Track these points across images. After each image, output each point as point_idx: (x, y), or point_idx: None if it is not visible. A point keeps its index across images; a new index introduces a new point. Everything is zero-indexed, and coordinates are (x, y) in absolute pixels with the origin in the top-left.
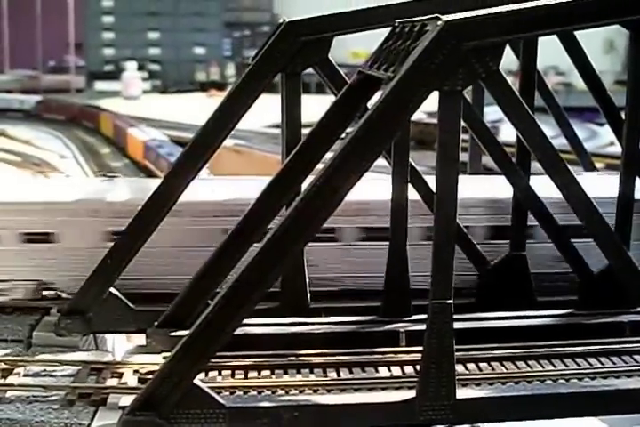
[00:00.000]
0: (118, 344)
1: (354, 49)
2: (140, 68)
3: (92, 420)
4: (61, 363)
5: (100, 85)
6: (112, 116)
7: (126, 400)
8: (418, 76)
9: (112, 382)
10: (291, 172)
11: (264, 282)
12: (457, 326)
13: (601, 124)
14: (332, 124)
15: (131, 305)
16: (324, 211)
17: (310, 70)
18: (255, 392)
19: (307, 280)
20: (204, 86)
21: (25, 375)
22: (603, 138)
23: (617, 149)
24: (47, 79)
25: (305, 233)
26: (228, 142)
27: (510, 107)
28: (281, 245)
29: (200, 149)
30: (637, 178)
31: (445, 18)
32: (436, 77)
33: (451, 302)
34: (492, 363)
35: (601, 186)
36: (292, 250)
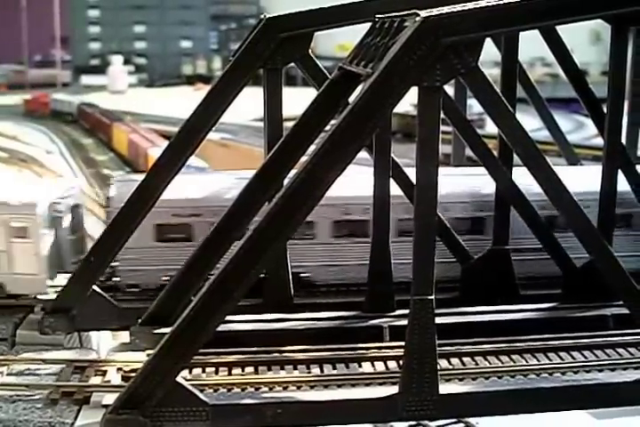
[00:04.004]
0: (103, 342)
1: (340, 42)
2: (127, 61)
3: (75, 419)
4: (45, 361)
5: (87, 80)
6: (127, 129)
7: (110, 399)
8: (396, 72)
9: (95, 380)
10: (273, 167)
11: (246, 278)
12: (440, 320)
13: (587, 116)
14: (314, 119)
15: (114, 303)
16: (306, 205)
17: None
18: (239, 389)
19: (290, 276)
20: (191, 80)
21: (8, 374)
22: (589, 129)
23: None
24: (33, 74)
25: (287, 228)
26: (215, 136)
27: (489, 102)
28: (263, 240)
29: (183, 143)
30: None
31: (424, 13)
32: (414, 73)
33: (432, 297)
34: (476, 358)
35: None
36: (274, 245)
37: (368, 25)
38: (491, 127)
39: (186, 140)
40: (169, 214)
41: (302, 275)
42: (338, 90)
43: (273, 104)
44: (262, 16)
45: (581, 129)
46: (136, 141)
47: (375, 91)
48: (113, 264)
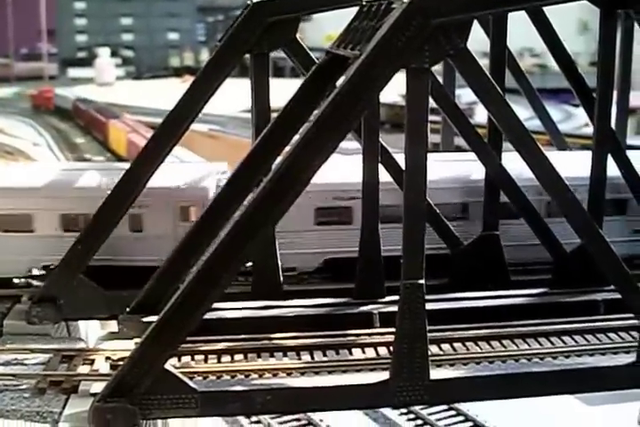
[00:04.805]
0: (91, 331)
1: (328, 33)
2: (114, 54)
3: (63, 408)
4: (32, 351)
5: (74, 72)
6: (125, 128)
7: (98, 387)
8: (384, 54)
9: (83, 369)
10: (260, 153)
11: (233, 264)
12: (430, 306)
13: (576, 106)
14: (302, 104)
15: (102, 291)
16: (293, 190)
17: (283, 55)
18: (228, 377)
19: (279, 263)
20: (178, 72)
21: None
22: (578, 119)
23: (592, 129)
24: (19, 67)
25: (274, 213)
26: (203, 127)
27: (479, 84)
28: (250, 226)
29: (169, 132)
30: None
31: None
32: (402, 55)
33: (422, 281)
34: (467, 343)
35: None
36: (261, 230)
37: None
38: (480, 117)
39: (172, 129)
40: (330, 197)
41: None
42: (326, 74)
43: (260, 90)
44: (249, 1)
45: (570, 119)
46: (136, 142)
47: (363, 73)
48: None
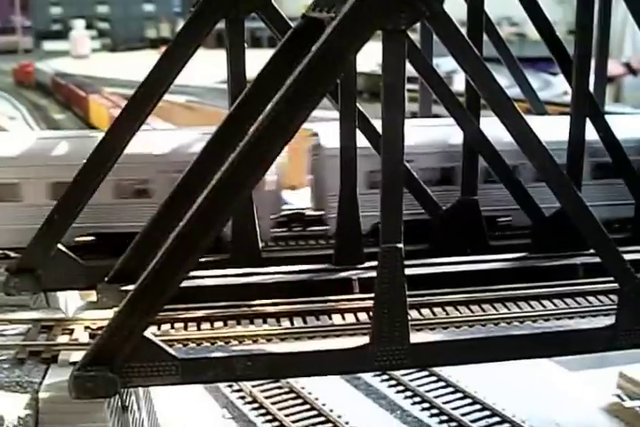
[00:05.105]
0: (71, 301)
1: (305, 2)
2: (89, 26)
3: (43, 377)
4: (11, 322)
5: (49, 45)
6: (106, 103)
7: (77, 356)
8: (360, 15)
9: (63, 338)
10: (236, 119)
11: (209, 230)
12: (410, 271)
13: (554, 74)
14: (278, 69)
15: (80, 261)
16: (270, 154)
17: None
18: (208, 344)
19: (257, 230)
20: (155, 43)
21: None
22: (556, 87)
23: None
24: None
25: (251, 177)
26: (180, 98)
27: (456, 46)
28: (226, 190)
29: (143, 100)
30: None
31: None
32: (378, 16)
33: (401, 245)
34: (447, 308)
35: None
36: (238, 195)
37: None
38: (458, 84)
39: (146, 98)
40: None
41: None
42: (302, 37)
43: (235, 56)
44: None
45: (548, 87)
46: None
47: (338, 34)
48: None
